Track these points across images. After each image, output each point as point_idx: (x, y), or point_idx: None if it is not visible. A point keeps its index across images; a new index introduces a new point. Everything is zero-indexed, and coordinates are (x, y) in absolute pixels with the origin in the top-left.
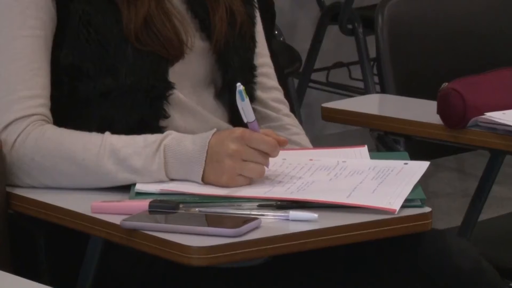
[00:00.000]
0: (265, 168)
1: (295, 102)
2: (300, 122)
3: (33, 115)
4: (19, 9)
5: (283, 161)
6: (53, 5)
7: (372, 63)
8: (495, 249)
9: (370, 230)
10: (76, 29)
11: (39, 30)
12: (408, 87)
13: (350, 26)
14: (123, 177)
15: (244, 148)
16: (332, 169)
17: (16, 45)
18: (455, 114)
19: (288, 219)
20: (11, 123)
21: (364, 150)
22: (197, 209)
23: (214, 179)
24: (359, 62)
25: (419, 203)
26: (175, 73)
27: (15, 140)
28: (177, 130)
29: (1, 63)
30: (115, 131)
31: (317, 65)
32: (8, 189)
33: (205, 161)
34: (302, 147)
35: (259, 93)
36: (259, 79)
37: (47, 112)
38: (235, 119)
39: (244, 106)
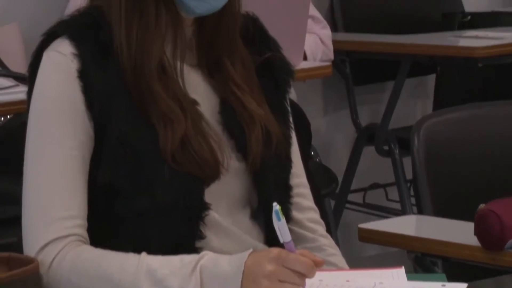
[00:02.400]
0: None
1: (332, 223)
2: (337, 243)
3: (70, 235)
4: (58, 130)
5: (319, 282)
6: (91, 125)
7: (408, 184)
8: None
9: None
10: (113, 149)
11: (76, 150)
12: (445, 208)
13: (386, 147)
14: None
15: (281, 268)
16: None
17: (54, 165)
18: (493, 236)
19: None
20: (48, 244)
21: (401, 271)
22: None
23: None
24: (395, 183)
25: None
26: (211, 193)
27: (52, 261)
28: (213, 250)
29: (39, 183)
30: (151, 251)
31: (353, 186)
32: None
33: (242, 281)
34: (339, 268)
35: (295, 214)
36: (295, 199)
37: (84, 233)
38: (271, 239)
39: (281, 226)
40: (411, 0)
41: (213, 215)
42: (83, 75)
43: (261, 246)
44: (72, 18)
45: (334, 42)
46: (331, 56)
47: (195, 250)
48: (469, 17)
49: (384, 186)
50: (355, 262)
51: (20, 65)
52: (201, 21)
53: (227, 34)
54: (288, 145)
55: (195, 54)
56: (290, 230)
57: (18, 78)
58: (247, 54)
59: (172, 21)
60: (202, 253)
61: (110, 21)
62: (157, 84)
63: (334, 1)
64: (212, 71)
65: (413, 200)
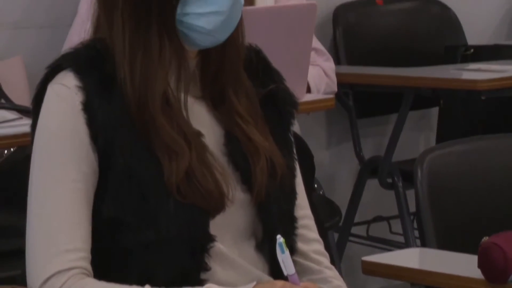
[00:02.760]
0: None
1: (335, 255)
2: (341, 276)
3: (73, 268)
4: (61, 162)
5: None
6: (95, 158)
7: (412, 217)
8: None
9: None
10: (117, 181)
11: (81, 183)
12: (449, 241)
13: (389, 180)
14: None
15: None
16: None
17: (58, 197)
18: (497, 269)
19: None
20: (51, 277)
21: None
22: None
23: None
24: (399, 216)
25: None
26: (216, 225)
27: None
28: (218, 282)
29: (42, 215)
30: (155, 283)
31: (357, 219)
32: None
33: None
34: None
35: (300, 245)
36: (300, 231)
37: (88, 265)
38: (276, 271)
39: (284, 259)
40: (413, 33)
41: (218, 246)
42: (87, 107)
43: (266, 277)
44: (76, 51)
45: (337, 74)
46: (334, 88)
47: (200, 282)
48: (471, 50)
49: (388, 219)
50: None
51: (23, 98)
52: (205, 53)
53: (231, 66)
54: (293, 176)
55: (199, 86)
56: (295, 261)
57: (22, 111)
58: (251, 86)
59: (176, 53)
60: (207, 285)
61: (114, 53)
62: (161, 116)
63: (337, 34)
64: (216, 102)
65: (416, 233)
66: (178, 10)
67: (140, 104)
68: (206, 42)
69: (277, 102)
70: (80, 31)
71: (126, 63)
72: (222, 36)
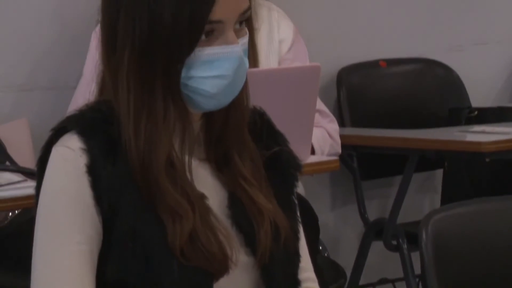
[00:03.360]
0: None
1: None
2: None
3: None
4: (66, 224)
5: None
6: (99, 220)
7: (417, 279)
8: None
9: None
10: (121, 244)
11: (85, 245)
12: None
13: (394, 242)
14: None
15: None
16: None
17: (62, 260)
18: None
19: None
20: None
21: None
22: None
23: None
24: (404, 279)
25: None
26: (219, 287)
27: None
28: None
29: (47, 278)
30: None
31: (362, 281)
32: None
33: None
34: None
35: None
36: None
37: None
38: None
39: None
40: (417, 96)
41: None
42: (92, 170)
43: None
44: (81, 113)
45: (342, 136)
46: (338, 150)
47: None
48: (476, 113)
49: (393, 281)
50: None
51: (28, 161)
52: (209, 116)
53: (235, 129)
54: (296, 239)
55: (203, 148)
56: None
57: (27, 173)
58: (255, 149)
59: (180, 116)
60: None
61: (119, 116)
62: (165, 179)
63: (341, 96)
64: (220, 165)
65: None
66: (183, 74)
67: (144, 167)
68: (210, 105)
69: (281, 164)
70: (85, 92)
71: (131, 125)
72: (226, 100)
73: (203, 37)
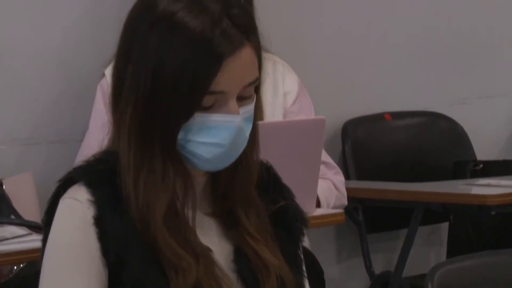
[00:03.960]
0: None
1: None
2: None
3: None
4: (71, 276)
5: None
6: (105, 273)
7: None
8: None
9: None
10: None
11: None
12: None
13: None
14: None
15: None
16: None
17: None
18: None
19: None
20: None
21: None
22: None
23: None
24: None
25: None
26: None
27: None
28: None
29: None
30: None
31: None
32: None
33: None
34: None
35: None
36: None
37: None
38: None
39: None
40: (422, 149)
41: None
42: (99, 222)
43: None
44: (88, 164)
45: (347, 189)
46: (344, 201)
47: None
48: (481, 166)
49: None
50: None
51: (33, 214)
52: (215, 172)
53: (242, 187)
54: None
55: (209, 203)
56: None
57: (32, 226)
58: (261, 205)
59: (181, 175)
60: None
61: (121, 169)
62: (165, 233)
63: (346, 148)
64: (226, 220)
65: None
66: (181, 136)
67: (144, 222)
68: (206, 167)
69: (287, 219)
70: (91, 146)
71: (130, 181)
72: (221, 165)
73: (204, 103)
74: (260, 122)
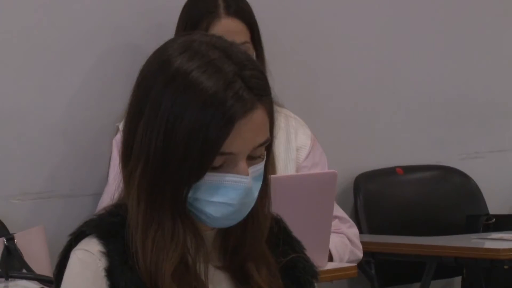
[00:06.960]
0: None
1: None
2: None
3: None
4: None
5: None
6: None
7: None
8: None
9: None
10: None
11: None
12: None
13: None
14: None
15: None
16: None
17: None
18: None
19: None
20: None
21: None
22: None
23: None
24: None
25: None
26: None
27: None
28: None
29: None
30: None
31: None
32: None
33: None
34: None
35: None
36: None
37: None
38: None
39: None
40: (434, 203)
41: None
42: (111, 274)
43: None
44: (99, 217)
45: None
46: (360, 255)
47: None
48: (493, 220)
49: None
50: None
51: (45, 268)
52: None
53: (252, 241)
54: None
55: (219, 256)
56: None
57: (43, 280)
58: (272, 258)
59: (190, 231)
60: None
61: (129, 224)
62: None
63: (358, 202)
64: (237, 274)
65: None
66: (190, 194)
67: (152, 278)
68: (215, 225)
69: (297, 272)
70: (108, 199)
71: (138, 237)
72: (230, 223)
73: (214, 163)
74: (272, 176)
